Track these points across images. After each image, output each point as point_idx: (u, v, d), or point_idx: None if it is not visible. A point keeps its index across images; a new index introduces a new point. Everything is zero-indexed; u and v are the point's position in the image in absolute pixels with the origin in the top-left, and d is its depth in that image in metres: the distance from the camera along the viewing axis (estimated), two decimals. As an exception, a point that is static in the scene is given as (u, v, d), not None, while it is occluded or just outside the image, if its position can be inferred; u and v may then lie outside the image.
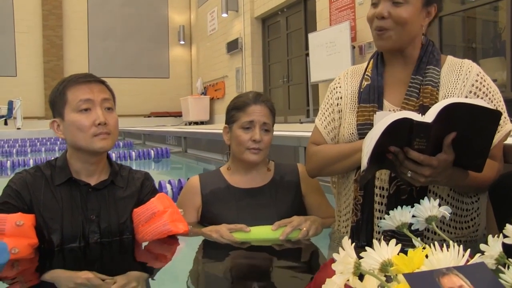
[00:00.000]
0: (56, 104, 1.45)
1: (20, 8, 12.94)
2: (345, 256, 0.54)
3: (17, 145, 7.70)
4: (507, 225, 0.63)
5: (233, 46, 10.87)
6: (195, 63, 14.36)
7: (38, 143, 8.21)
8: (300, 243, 1.46)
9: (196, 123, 12.50)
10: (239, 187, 1.65)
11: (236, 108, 1.65)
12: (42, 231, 1.38)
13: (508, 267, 0.59)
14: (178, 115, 13.79)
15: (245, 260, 1.47)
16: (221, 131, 1.76)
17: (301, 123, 7.53)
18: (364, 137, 1.16)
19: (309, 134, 1.60)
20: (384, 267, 0.57)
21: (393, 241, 0.61)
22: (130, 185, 1.52)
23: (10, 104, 11.45)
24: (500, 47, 5.01)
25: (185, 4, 14.61)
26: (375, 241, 0.61)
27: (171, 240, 1.44)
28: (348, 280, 0.54)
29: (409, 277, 0.51)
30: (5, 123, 11.52)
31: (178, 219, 1.46)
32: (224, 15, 10.86)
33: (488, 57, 5.40)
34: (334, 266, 0.55)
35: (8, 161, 5.07)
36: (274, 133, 1.71)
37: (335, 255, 0.57)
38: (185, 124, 12.60)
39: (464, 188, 1.27)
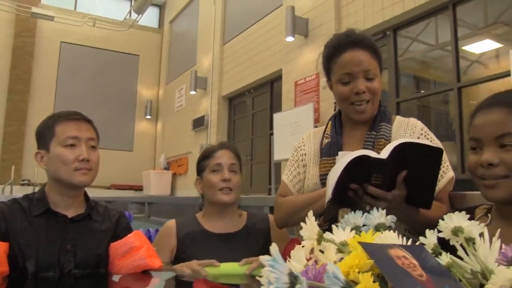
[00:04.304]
0: (43, 136, 1.54)
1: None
2: (310, 224, 0.63)
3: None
4: (440, 221, 0.77)
5: (199, 123, 11.11)
6: (159, 138, 14.48)
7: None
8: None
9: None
10: (213, 232, 1.74)
11: (204, 157, 1.81)
12: (16, 259, 1.39)
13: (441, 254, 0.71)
14: (139, 188, 13.61)
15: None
16: (184, 195, 1.89)
17: (263, 199, 7.60)
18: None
19: (273, 198, 1.73)
20: (342, 246, 0.66)
21: (349, 227, 0.70)
22: (106, 220, 1.59)
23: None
24: (451, 134, 5.38)
25: (154, 80, 14.98)
26: (333, 226, 0.70)
27: (144, 275, 1.48)
28: (311, 252, 0.63)
29: (364, 245, 0.62)
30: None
31: (154, 255, 1.51)
32: (193, 92, 11.19)
33: (441, 142, 5.75)
34: (302, 232, 0.64)
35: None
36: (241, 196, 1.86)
37: (302, 224, 0.66)
38: (145, 198, 12.43)
39: (415, 224, 1.38)
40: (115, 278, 1.47)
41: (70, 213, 1.51)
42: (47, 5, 13.16)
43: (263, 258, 0.57)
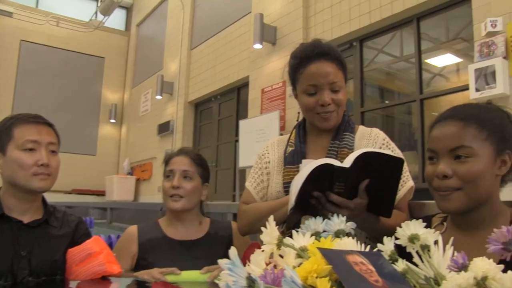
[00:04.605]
0: None
1: None
2: (270, 228, 0.63)
3: None
4: (397, 228, 0.80)
5: (164, 128, 10.98)
6: (124, 143, 14.23)
7: None
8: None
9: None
10: (175, 239, 1.72)
11: (165, 163, 1.81)
12: None
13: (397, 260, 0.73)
14: (101, 194, 13.32)
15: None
16: (147, 201, 1.87)
17: (227, 206, 7.57)
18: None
19: (237, 205, 1.72)
20: (301, 251, 0.67)
21: (309, 233, 0.71)
22: (64, 226, 1.55)
23: None
24: (413, 144, 5.52)
25: (119, 83, 14.72)
26: (293, 231, 0.70)
27: (103, 281, 1.44)
28: (271, 257, 0.63)
29: (323, 251, 0.62)
30: None
31: (113, 260, 1.47)
32: (158, 97, 11.08)
33: (404, 151, 5.89)
34: (262, 237, 0.64)
35: None
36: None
37: (262, 228, 0.66)
38: (108, 203, 12.17)
39: (375, 232, 1.40)
40: (73, 284, 1.43)
41: (26, 219, 1.46)
42: (5, -1, 12.71)
43: (222, 262, 0.56)
